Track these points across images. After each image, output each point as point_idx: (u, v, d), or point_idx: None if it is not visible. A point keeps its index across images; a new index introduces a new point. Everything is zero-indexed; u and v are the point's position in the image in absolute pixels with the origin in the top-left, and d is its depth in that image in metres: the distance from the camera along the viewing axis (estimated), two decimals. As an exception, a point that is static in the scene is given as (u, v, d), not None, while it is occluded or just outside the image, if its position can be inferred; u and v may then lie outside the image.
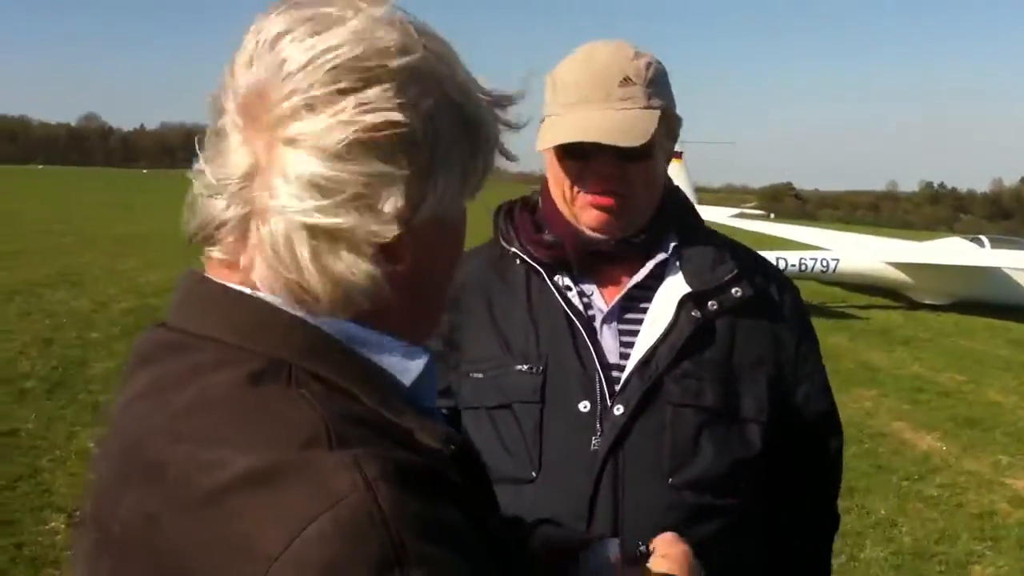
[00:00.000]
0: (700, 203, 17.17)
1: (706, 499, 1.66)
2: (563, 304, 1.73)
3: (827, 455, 1.92)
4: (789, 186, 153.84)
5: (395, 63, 0.84)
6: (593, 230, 1.74)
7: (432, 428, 0.87)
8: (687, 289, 1.73)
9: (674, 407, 1.67)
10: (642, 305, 1.75)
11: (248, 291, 0.88)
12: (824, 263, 17.09)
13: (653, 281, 1.76)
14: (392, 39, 0.85)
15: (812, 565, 1.94)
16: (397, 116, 0.83)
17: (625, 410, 1.66)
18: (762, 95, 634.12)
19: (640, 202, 1.75)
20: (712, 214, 18.22)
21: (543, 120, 1.74)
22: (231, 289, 0.89)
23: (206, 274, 0.91)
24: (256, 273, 0.87)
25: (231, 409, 0.82)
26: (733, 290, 1.75)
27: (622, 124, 1.66)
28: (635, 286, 1.76)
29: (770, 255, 13.41)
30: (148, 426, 0.85)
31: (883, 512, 6.44)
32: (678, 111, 1.77)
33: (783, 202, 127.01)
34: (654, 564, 1.21)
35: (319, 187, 0.82)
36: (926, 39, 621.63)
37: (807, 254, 17.41)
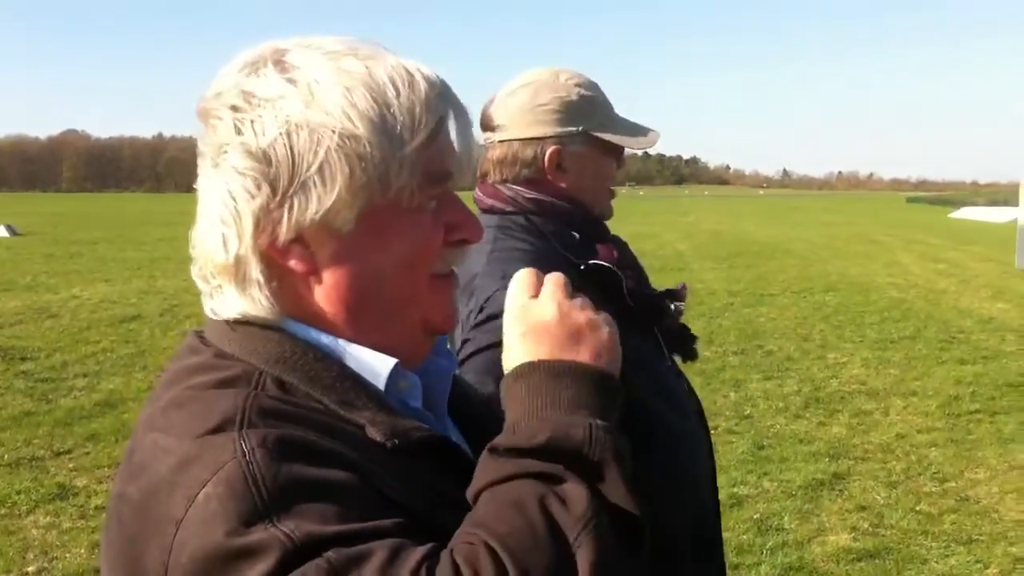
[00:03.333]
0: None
1: None
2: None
3: None
4: None
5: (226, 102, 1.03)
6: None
7: (385, 424, 1.01)
8: None
9: None
10: None
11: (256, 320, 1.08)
12: None
13: None
14: (242, 83, 1.03)
15: None
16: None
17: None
18: None
19: None
20: None
21: (591, 127, 2.01)
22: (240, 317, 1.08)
23: None
24: None
25: (191, 407, 0.99)
26: None
27: None
28: None
29: None
30: (143, 415, 1.05)
31: None
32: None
33: None
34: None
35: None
36: None
37: None
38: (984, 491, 6.36)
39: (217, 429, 0.94)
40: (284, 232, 1.02)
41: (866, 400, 8.83)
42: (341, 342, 1.07)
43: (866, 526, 5.72)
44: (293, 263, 1.04)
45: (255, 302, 1.04)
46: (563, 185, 2.01)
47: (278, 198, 1.01)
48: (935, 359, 10.76)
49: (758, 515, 5.84)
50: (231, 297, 1.06)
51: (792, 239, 32.09)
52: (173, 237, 29.52)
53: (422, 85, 1.05)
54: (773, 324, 13.13)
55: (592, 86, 2.05)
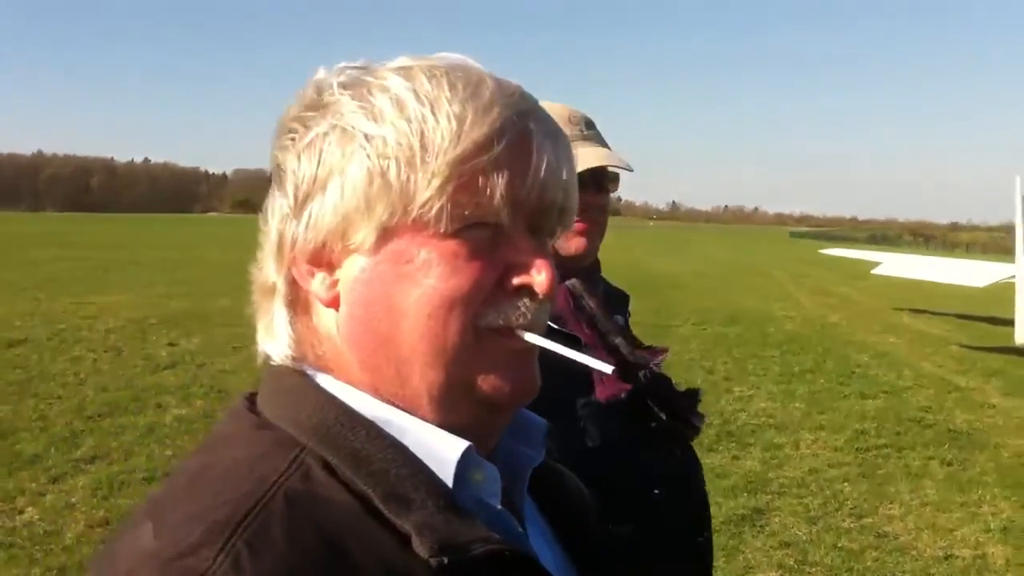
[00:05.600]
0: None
1: None
2: None
3: None
4: None
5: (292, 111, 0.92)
6: (574, 256, 1.97)
7: (440, 532, 0.81)
8: None
9: None
10: None
11: (298, 366, 0.92)
12: None
13: None
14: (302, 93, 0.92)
15: None
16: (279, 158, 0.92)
17: None
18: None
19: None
20: None
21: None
22: (281, 365, 0.93)
23: None
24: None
25: (197, 493, 0.81)
26: None
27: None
28: None
29: None
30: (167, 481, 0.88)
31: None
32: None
33: None
34: None
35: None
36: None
37: None
38: (900, 527, 6.49)
39: (191, 551, 0.75)
40: (301, 244, 0.89)
41: (776, 434, 8.98)
42: (402, 414, 0.87)
43: (791, 563, 5.76)
44: (316, 287, 0.90)
45: (274, 338, 0.92)
46: None
47: (297, 205, 0.89)
48: (838, 393, 11.03)
49: (684, 552, 5.81)
50: (260, 334, 0.94)
51: (687, 271, 32.73)
52: (57, 258, 28.48)
53: (487, 93, 0.87)
54: (677, 356, 13.24)
55: None
